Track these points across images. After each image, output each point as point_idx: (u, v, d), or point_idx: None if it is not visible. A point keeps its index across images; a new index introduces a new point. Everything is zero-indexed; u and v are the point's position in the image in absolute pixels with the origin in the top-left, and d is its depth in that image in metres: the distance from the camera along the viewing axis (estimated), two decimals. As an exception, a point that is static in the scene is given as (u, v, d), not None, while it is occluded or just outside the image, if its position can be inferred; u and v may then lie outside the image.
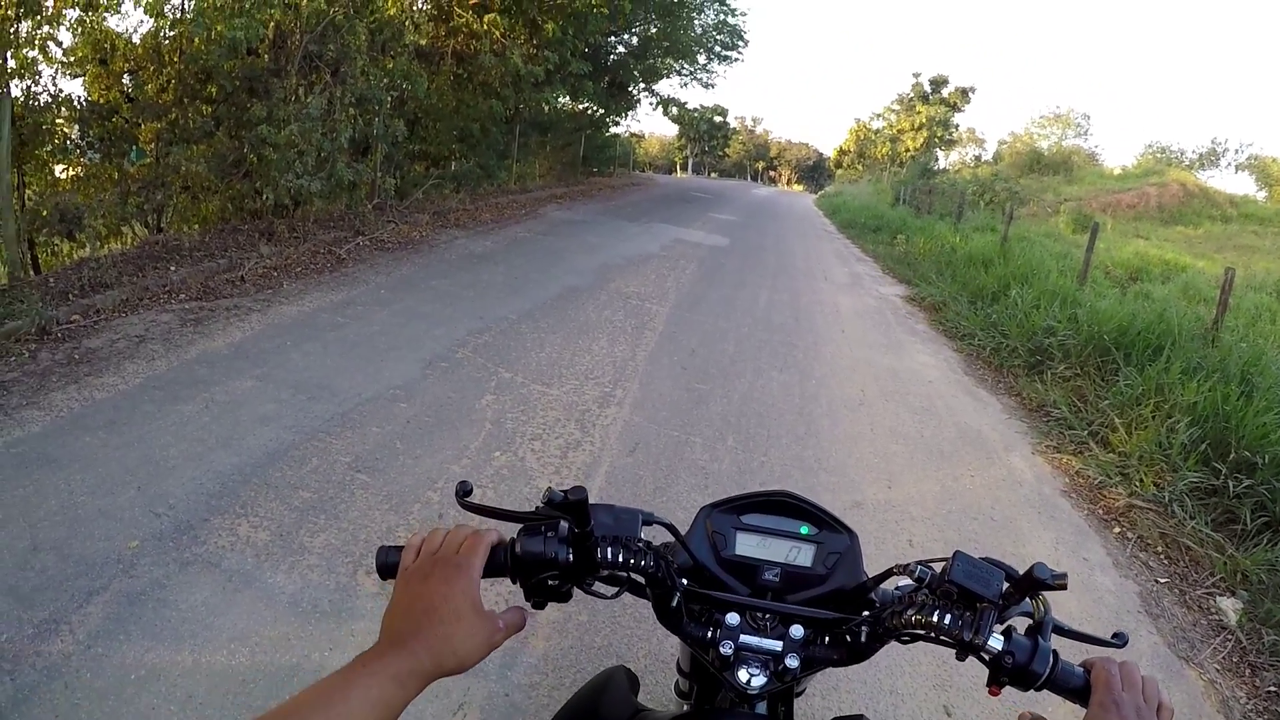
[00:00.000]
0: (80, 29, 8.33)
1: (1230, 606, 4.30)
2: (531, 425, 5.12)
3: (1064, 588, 0.98)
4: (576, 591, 1.13)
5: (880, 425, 6.20)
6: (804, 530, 1.28)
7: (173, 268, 7.47)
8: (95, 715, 2.45)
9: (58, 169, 9.00)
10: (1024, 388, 7.70)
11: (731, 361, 7.25)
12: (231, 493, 3.81)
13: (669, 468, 4.82)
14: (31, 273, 7.59)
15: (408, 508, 3.90)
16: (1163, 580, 4.54)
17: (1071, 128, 52.05)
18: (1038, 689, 1.01)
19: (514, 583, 1.09)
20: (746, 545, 1.27)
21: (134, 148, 9.35)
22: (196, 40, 8.78)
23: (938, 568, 1.08)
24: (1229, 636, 4.05)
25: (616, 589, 1.16)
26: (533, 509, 1.10)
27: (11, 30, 7.18)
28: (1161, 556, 4.80)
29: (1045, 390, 7.43)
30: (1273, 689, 3.68)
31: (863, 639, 1.16)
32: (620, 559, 1.10)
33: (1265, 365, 6.90)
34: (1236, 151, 49.13)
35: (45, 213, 7.81)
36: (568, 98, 23.90)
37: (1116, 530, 5.07)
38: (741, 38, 30.86)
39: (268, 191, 9.40)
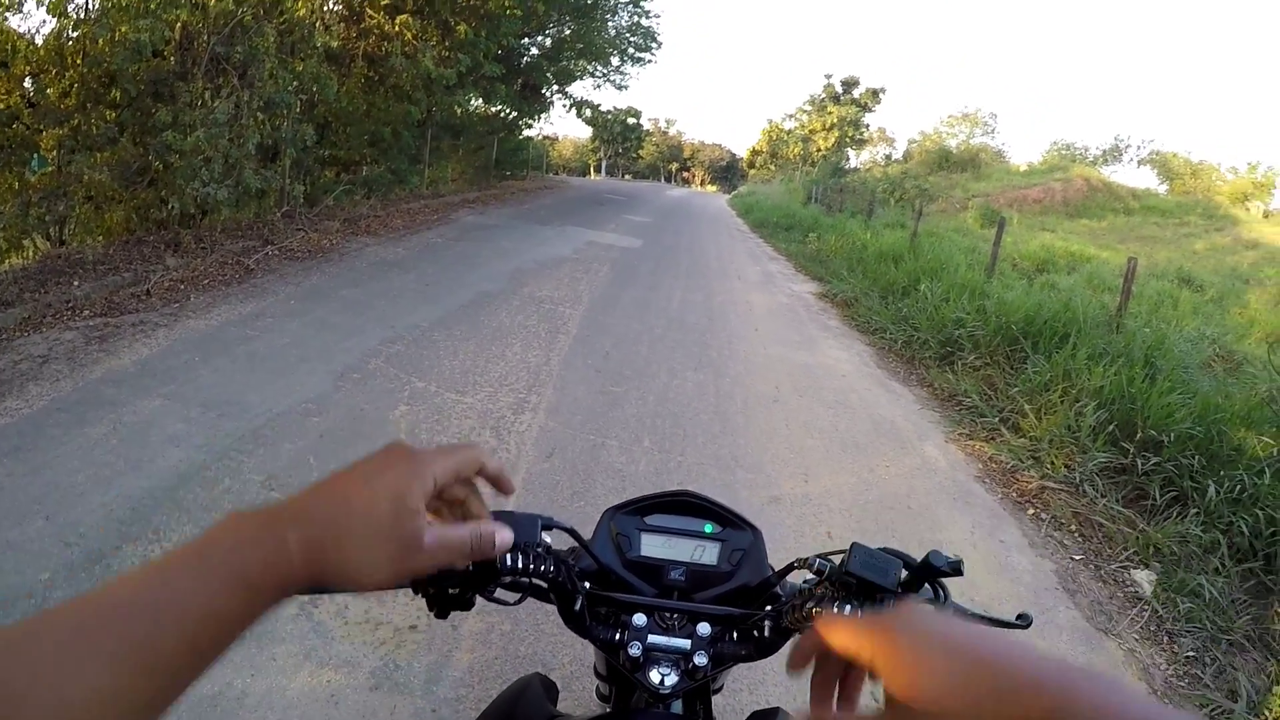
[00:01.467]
0: (-19, 31, 8.06)
1: (1144, 579, 4.47)
2: (446, 434, 5.10)
3: (959, 574, 1.01)
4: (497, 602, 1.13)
5: (795, 420, 6.29)
6: (708, 529, 1.29)
7: (76, 282, 7.26)
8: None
9: (-46, 180, 8.69)
10: (935, 378, 7.89)
11: (646, 363, 7.28)
12: (143, 518, 3.72)
13: (586, 472, 4.83)
14: (-75, 291, 7.33)
15: (326, 523, 3.85)
16: (1078, 557, 4.70)
17: (979, 126, 53.33)
18: None
19: (415, 594, 1.09)
20: (651, 546, 1.28)
21: (35, 156, 9.06)
22: (100, 41, 8.51)
23: (837, 560, 1.09)
24: (1145, 607, 4.23)
25: (519, 595, 1.16)
26: None
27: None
28: (1076, 535, 4.98)
29: (956, 380, 7.61)
30: (1191, 654, 3.85)
31: (767, 634, 1.18)
32: (520, 565, 1.10)
33: (1168, 349, 7.20)
34: (1139, 147, 51.38)
35: (-58, 226, 7.56)
36: (480, 100, 23.72)
37: (1031, 512, 5.23)
38: (654, 39, 30.92)
39: (174, 200, 9.19)
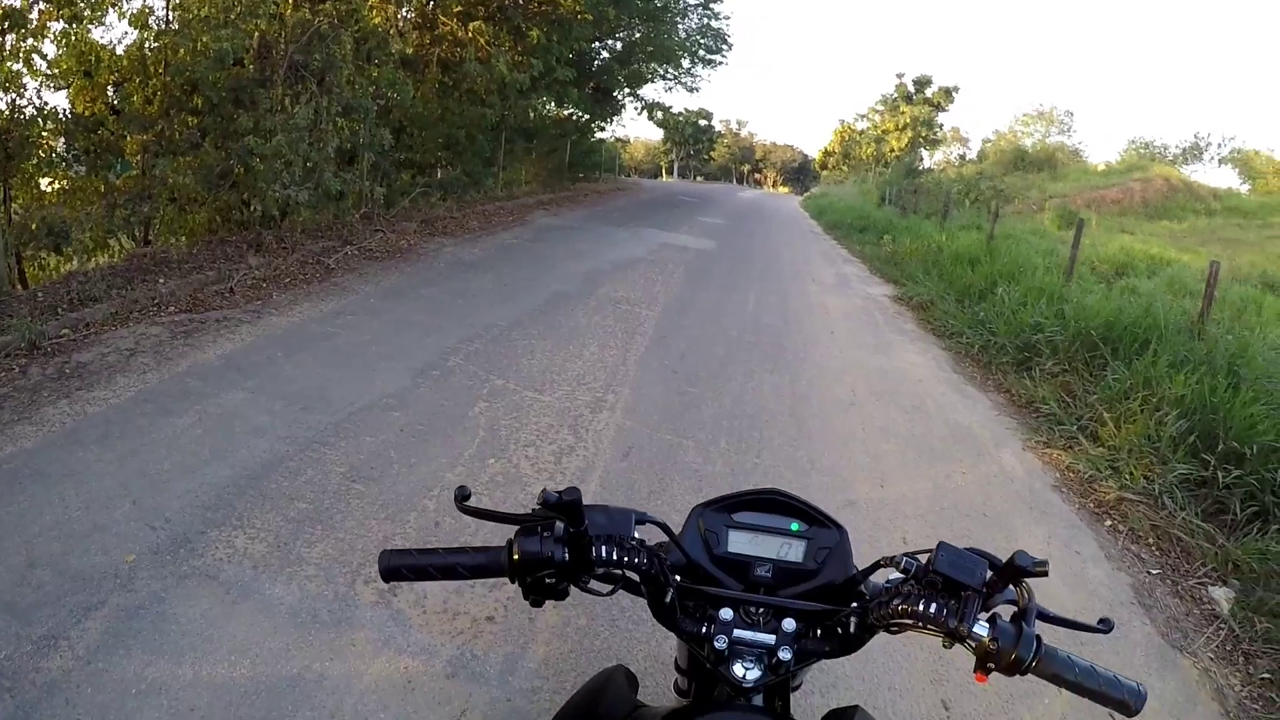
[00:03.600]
0: (65, 41, 8.29)
1: (1222, 596, 4.33)
2: (525, 432, 5.13)
3: (1045, 574, 1.01)
4: (575, 597, 1.16)
5: (871, 425, 6.22)
6: (794, 527, 1.31)
7: (161, 280, 7.46)
8: (97, 729, 2.46)
9: (44, 182, 8.98)
10: (1013, 384, 7.74)
11: (722, 365, 7.26)
12: (227, 505, 3.81)
13: (662, 471, 4.83)
14: (19, 287, 7.59)
15: (404, 516, 3.91)
16: (1155, 572, 4.57)
17: (1055, 125, 52.48)
18: (1022, 674, 1.03)
19: (512, 582, 1.14)
20: (739, 542, 1.30)
21: (120, 160, 9.34)
22: (182, 51, 8.75)
23: (923, 559, 1.11)
24: (1222, 625, 4.08)
25: (612, 586, 1.20)
26: (529, 511, 1.12)
27: (-4, 43, 7.16)
28: (1153, 548, 4.83)
29: (1034, 386, 7.46)
30: (1266, 676, 3.70)
31: (852, 630, 1.20)
32: (615, 557, 1.14)
33: (1251, 356, 6.93)
34: (1219, 145, 49.72)
35: (33, 226, 7.81)
36: (553, 104, 23.93)
37: (1108, 523, 5.09)
38: (725, 41, 30.91)
39: (255, 202, 9.43)
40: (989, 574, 1.05)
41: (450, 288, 8.95)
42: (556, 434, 5.17)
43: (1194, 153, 49.01)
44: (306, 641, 2.92)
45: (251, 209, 9.57)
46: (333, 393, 5.38)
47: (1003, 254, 13.45)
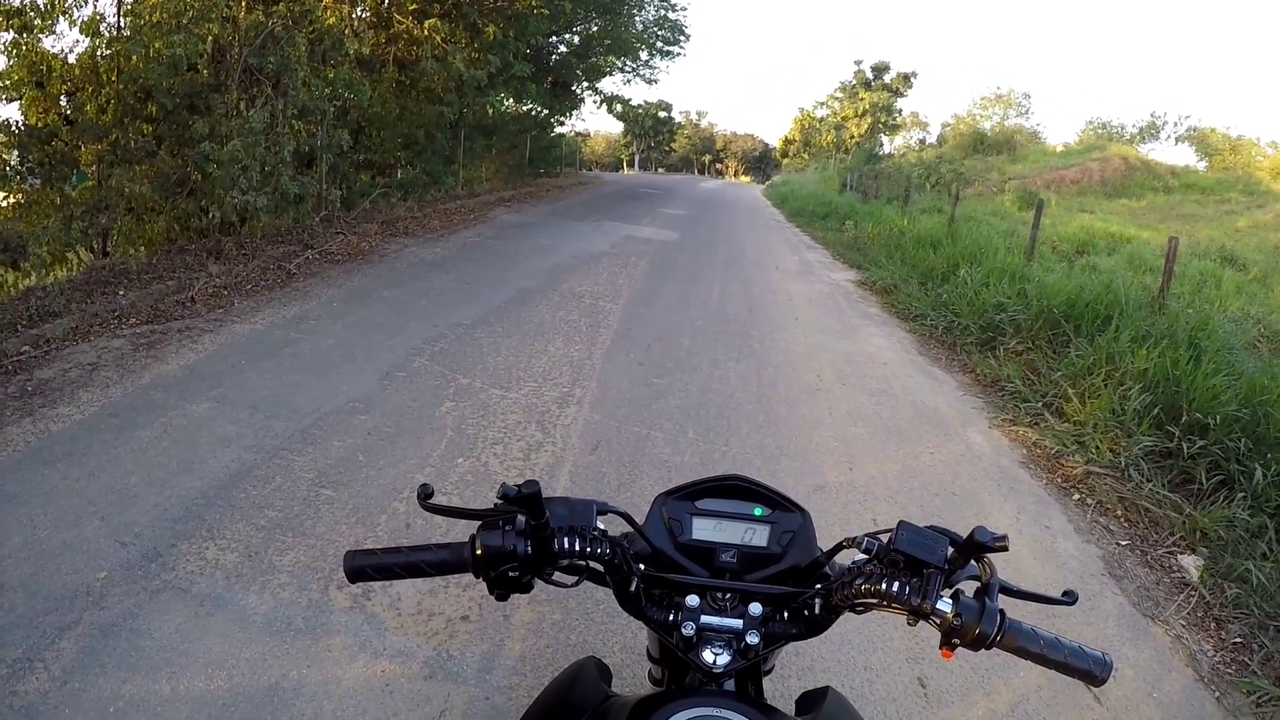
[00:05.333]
0: (15, 52, 8.17)
1: (1191, 564, 4.42)
2: (492, 430, 5.13)
3: (1005, 549, 1.02)
4: (549, 592, 1.17)
5: (838, 409, 6.27)
6: (758, 512, 1.32)
7: (121, 292, 7.38)
8: (73, 747, 2.44)
9: (-2, 197, 8.85)
10: (977, 364, 7.82)
11: (688, 355, 7.28)
12: (196, 516, 3.78)
13: (631, 464, 4.85)
14: (-24, 305, 7.47)
15: (374, 519, 3.90)
16: (1124, 542, 4.65)
17: (1013, 107, 52.66)
18: (988, 648, 1.06)
19: (476, 577, 1.14)
20: (703, 529, 1.31)
21: (75, 171, 9.21)
22: (135, 58, 8.64)
23: (885, 539, 1.13)
24: (1192, 593, 4.17)
25: (576, 578, 1.20)
26: (491, 506, 1.13)
27: (-55, 58, 7.04)
28: (1121, 520, 4.92)
29: (998, 365, 7.55)
30: (1238, 640, 3.79)
31: (818, 611, 1.21)
32: (577, 548, 1.15)
33: (1212, 330, 7.07)
34: (1176, 124, 50.27)
35: (-12, 242, 7.68)
36: (512, 100, 23.85)
37: (1076, 497, 5.17)
38: (683, 32, 30.97)
39: (213, 209, 9.31)
40: (950, 551, 1.07)
41: (413, 288, 8.90)
42: (524, 430, 5.17)
43: (1151, 132, 49.46)
44: (282, 650, 2.92)
45: (210, 216, 9.45)
46: (298, 399, 5.35)
47: (964, 236, 13.57)
